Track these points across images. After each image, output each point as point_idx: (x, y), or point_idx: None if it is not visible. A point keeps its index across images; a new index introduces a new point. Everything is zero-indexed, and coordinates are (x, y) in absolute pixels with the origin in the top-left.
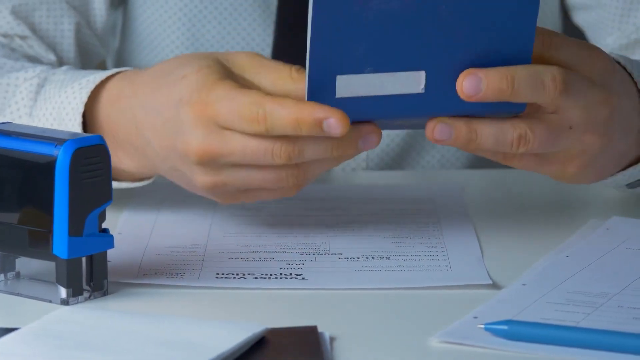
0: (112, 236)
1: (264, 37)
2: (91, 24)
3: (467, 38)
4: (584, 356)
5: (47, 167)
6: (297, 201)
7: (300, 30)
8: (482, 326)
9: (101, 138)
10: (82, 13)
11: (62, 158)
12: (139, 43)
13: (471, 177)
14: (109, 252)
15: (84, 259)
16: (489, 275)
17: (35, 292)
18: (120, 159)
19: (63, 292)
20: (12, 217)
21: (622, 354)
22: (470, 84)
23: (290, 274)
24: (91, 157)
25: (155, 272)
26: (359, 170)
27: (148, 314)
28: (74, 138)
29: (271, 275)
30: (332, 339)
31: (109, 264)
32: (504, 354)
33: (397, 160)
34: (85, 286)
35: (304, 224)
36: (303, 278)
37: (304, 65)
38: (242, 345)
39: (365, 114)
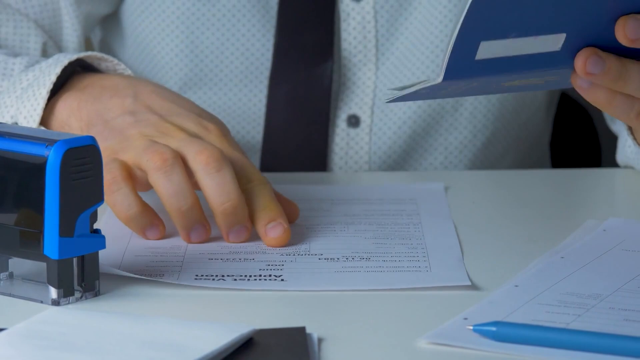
0: (103, 237)
1: (263, 42)
2: (60, 46)
3: (609, 5)
4: (573, 358)
5: (38, 168)
6: None
7: (301, 33)
8: (471, 327)
9: (92, 139)
10: (51, 33)
11: (52, 159)
12: (137, 50)
13: (472, 178)
14: None
15: (75, 260)
16: (468, 276)
17: (27, 292)
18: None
19: (54, 293)
20: (3, 218)
21: (611, 356)
22: (635, 27)
23: (270, 275)
24: (82, 157)
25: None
26: (361, 172)
27: (134, 314)
28: (64, 139)
29: (250, 276)
30: (320, 340)
31: None
32: (492, 355)
33: (399, 162)
34: (76, 287)
35: None
36: (282, 279)
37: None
38: (230, 346)
39: (496, 71)
